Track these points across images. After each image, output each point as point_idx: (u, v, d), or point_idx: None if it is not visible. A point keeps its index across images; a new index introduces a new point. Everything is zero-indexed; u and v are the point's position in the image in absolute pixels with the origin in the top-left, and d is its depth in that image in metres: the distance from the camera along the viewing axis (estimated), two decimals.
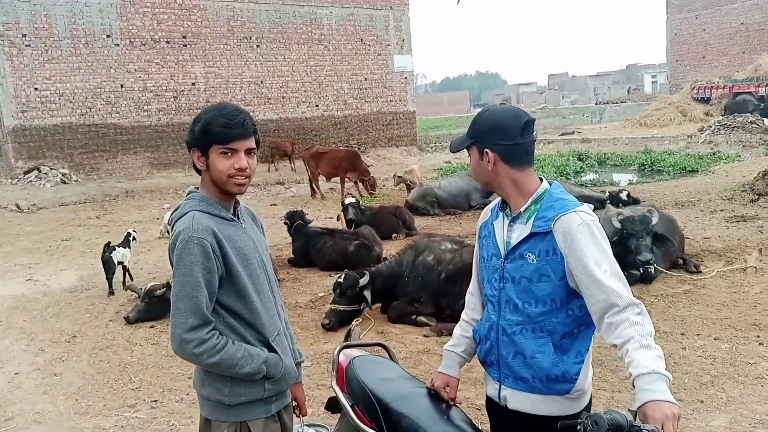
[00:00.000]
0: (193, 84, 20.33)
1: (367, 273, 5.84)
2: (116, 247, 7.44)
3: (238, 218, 2.14)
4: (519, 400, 2.01)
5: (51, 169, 17.82)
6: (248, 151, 2.04)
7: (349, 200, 9.72)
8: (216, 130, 1.98)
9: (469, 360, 2.30)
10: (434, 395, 2.23)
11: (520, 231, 1.97)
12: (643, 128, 25.40)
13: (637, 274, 6.37)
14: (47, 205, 14.95)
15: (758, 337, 4.90)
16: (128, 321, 6.10)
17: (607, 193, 11.26)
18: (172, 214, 2.14)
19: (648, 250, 5.98)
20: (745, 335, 4.96)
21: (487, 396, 2.19)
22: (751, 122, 19.00)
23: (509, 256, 1.98)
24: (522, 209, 1.98)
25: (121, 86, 19.05)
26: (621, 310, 1.77)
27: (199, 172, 2.09)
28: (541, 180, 2.02)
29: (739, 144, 18.35)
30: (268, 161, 19.81)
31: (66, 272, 8.62)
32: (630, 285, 5.84)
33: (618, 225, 6.03)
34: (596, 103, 37.23)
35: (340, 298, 5.72)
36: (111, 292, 7.26)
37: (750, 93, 23.85)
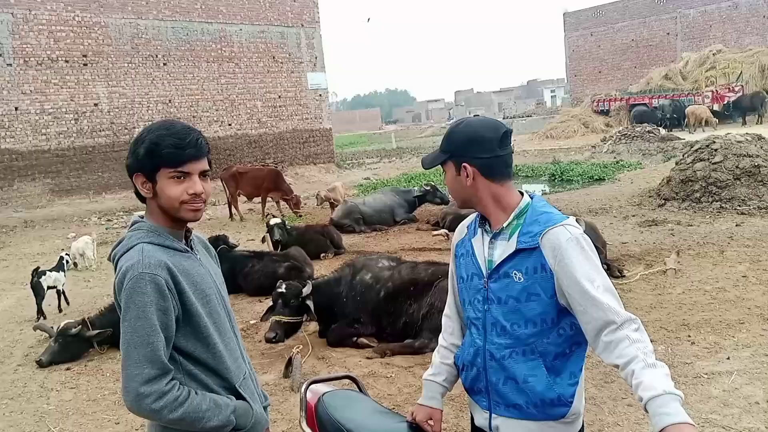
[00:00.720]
0: (96, 105, 19.26)
1: (309, 283, 5.62)
2: (46, 272, 7.35)
3: (192, 249, 1.91)
4: (512, 429, 1.89)
5: None
6: (202, 174, 1.83)
7: (274, 221, 9.41)
8: (165, 152, 1.75)
9: (450, 389, 2.17)
10: (417, 429, 2.08)
11: (504, 248, 1.86)
12: (549, 140, 26.57)
13: None
14: None
15: (689, 336, 5.10)
16: (41, 364, 5.53)
17: None
18: (115, 250, 1.87)
19: None
20: (677, 336, 5.15)
21: (474, 426, 2.06)
22: (649, 132, 20.30)
23: (493, 276, 1.87)
24: (504, 225, 1.88)
25: (16, 109, 17.72)
26: (618, 327, 1.69)
27: (142, 199, 1.86)
28: (521, 194, 1.93)
29: (639, 152, 19.53)
30: None
31: None
32: None
33: None
34: (504, 118, 38.70)
35: (284, 309, 5.42)
36: (40, 317, 7.15)
37: (645, 104, 25.53)
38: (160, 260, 1.73)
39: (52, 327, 6.08)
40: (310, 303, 5.45)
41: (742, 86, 23.95)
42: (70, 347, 5.63)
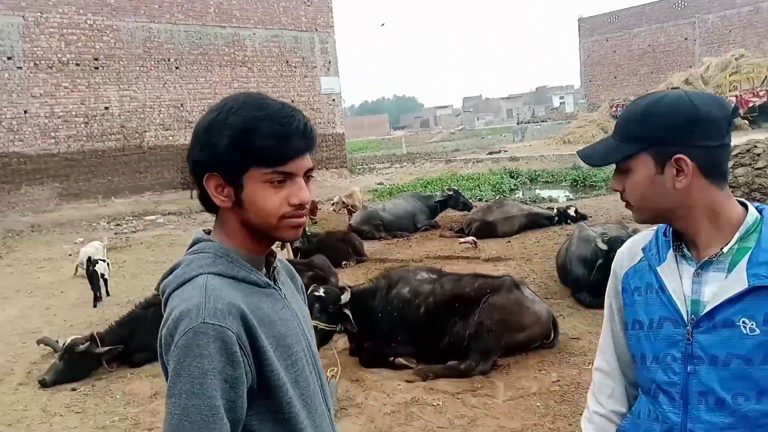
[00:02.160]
0: (107, 108, 18.87)
1: (348, 289, 5.06)
2: (98, 261, 7.86)
3: (276, 282, 1.36)
4: None
5: None
6: (307, 175, 1.30)
7: None
8: (262, 144, 1.21)
9: None
10: None
11: (721, 284, 1.29)
12: (567, 145, 25.93)
13: None
14: None
15: None
16: (44, 384, 5.01)
17: (555, 210, 11.03)
18: (166, 280, 1.30)
19: None
20: None
21: None
22: None
23: (703, 324, 1.29)
24: (724, 249, 1.30)
25: (25, 112, 17.35)
26: None
27: (212, 208, 1.31)
28: (744, 205, 1.34)
29: None
30: (190, 187, 18.57)
31: None
32: None
33: (605, 247, 5.56)
34: (517, 123, 38.17)
35: (321, 315, 4.84)
36: (97, 303, 7.66)
37: None
38: (232, 303, 1.18)
39: (57, 341, 5.57)
40: (348, 312, 4.91)
41: (767, 91, 23.30)
42: (76, 366, 5.10)
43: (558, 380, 4.38)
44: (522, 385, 4.36)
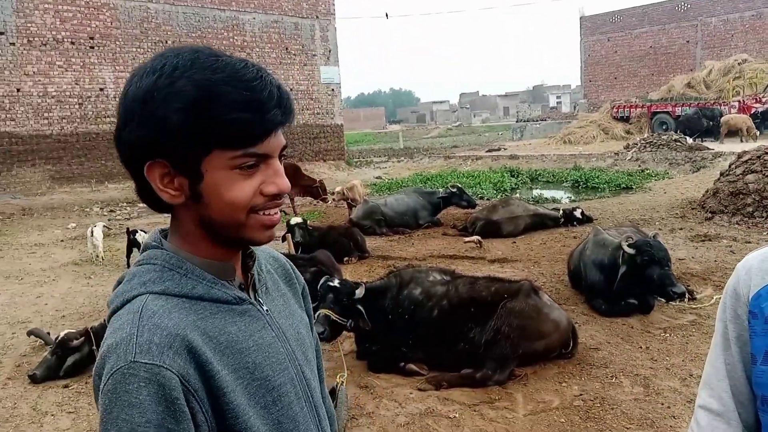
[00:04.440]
0: (101, 90, 18.47)
1: (363, 285, 4.81)
2: (138, 230, 8.67)
3: (255, 293, 1.08)
4: None
5: None
6: (281, 155, 1.02)
7: (295, 220, 8.62)
8: (231, 117, 0.92)
9: None
10: None
11: None
12: (567, 145, 25.75)
13: (635, 304, 5.74)
14: None
15: None
16: (34, 380, 4.73)
17: (561, 211, 10.82)
18: (112, 297, 1.02)
19: (677, 280, 5.33)
20: None
21: None
22: (676, 140, 19.55)
23: None
24: None
25: (18, 90, 16.93)
26: None
27: (160, 206, 1.02)
28: None
29: (665, 161, 18.74)
30: None
31: None
32: (628, 316, 4.95)
33: (631, 251, 5.32)
34: (517, 121, 37.94)
35: (335, 305, 4.60)
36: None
37: (667, 113, 24.76)
38: (175, 334, 0.91)
39: (48, 333, 5.30)
40: (362, 308, 4.66)
41: None
42: (69, 361, 4.83)
43: (581, 394, 4.15)
44: (542, 398, 4.13)
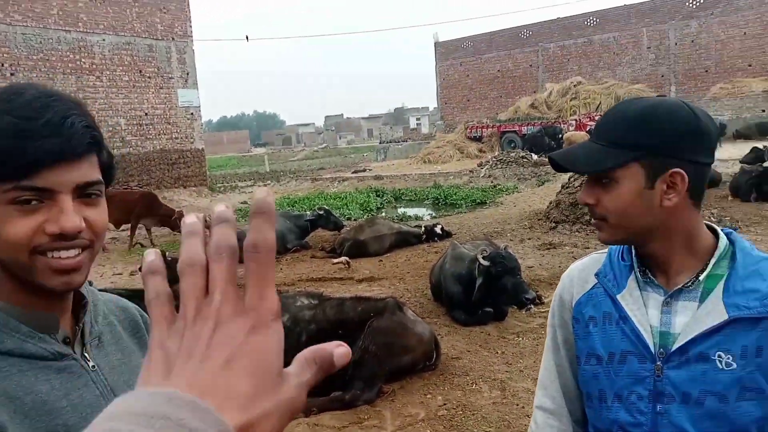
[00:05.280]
0: None
1: None
2: None
3: (83, 345, 1.01)
4: None
5: None
6: (83, 191, 0.94)
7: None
8: None
9: None
10: None
11: (694, 314, 1.20)
12: (427, 165, 26.93)
13: (491, 312, 6.12)
14: None
15: None
16: None
17: (423, 228, 11.27)
18: None
19: (528, 287, 5.77)
20: None
21: None
22: (523, 157, 21.14)
23: (674, 358, 1.20)
24: (701, 277, 1.21)
25: None
26: None
27: None
28: (713, 231, 1.27)
29: (514, 177, 20.21)
30: None
31: None
32: (485, 324, 5.33)
33: (487, 263, 5.69)
34: (380, 142, 39.05)
35: None
36: None
37: (515, 132, 26.78)
38: None
39: None
40: None
41: (601, 116, 25.92)
42: None
43: (444, 404, 4.35)
44: (409, 412, 4.28)
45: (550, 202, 12.25)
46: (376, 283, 8.23)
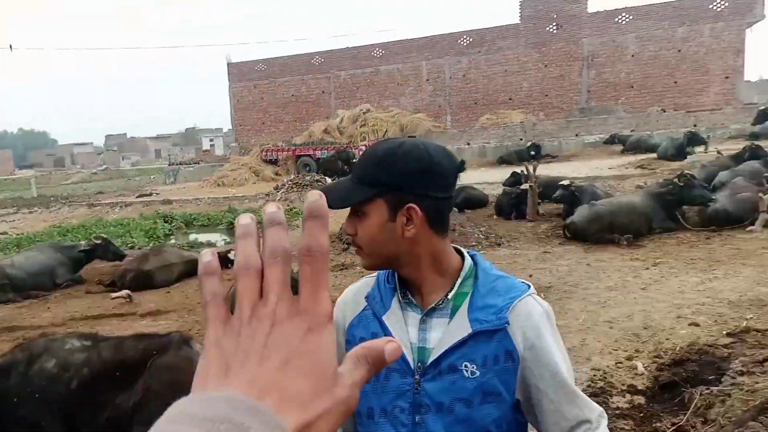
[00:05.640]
0: None
1: None
2: None
3: None
4: None
5: None
6: None
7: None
8: None
9: None
10: None
11: (446, 330, 1.32)
12: (221, 188, 26.18)
13: None
14: None
15: None
16: None
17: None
18: None
19: None
20: None
21: None
22: (317, 180, 21.61)
23: (430, 371, 1.30)
24: (449, 296, 1.33)
25: None
26: (596, 427, 1.30)
27: None
28: (459, 252, 1.40)
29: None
30: None
31: None
32: None
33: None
34: (169, 164, 36.93)
35: None
36: None
37: (309, 156, 27.26)
38: None
39: None
40: None
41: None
42: None
43: None
44: None
45: (341, 226, 12.66)
46: (162, 317, 7.72)
